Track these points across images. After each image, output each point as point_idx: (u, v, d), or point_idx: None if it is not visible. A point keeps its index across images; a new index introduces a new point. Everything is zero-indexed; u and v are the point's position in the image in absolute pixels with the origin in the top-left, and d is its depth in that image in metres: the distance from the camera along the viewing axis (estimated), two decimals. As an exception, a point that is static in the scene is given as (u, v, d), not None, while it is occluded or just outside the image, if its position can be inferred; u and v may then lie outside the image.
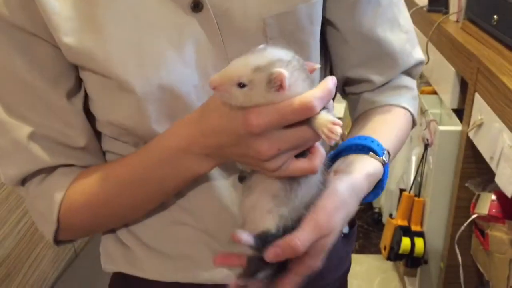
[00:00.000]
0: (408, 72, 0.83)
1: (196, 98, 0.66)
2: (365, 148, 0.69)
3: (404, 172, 2.10)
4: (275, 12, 0.66)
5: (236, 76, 0.53)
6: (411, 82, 0.84)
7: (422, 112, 1.91)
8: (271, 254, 0.56)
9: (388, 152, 0.70)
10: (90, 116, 0.71)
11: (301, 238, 0.56)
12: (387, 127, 0.77)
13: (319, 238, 0.58)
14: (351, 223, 0.92)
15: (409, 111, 0.81)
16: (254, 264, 0.60)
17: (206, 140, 0.60)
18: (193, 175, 0.64)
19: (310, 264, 0.60)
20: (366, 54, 0.78)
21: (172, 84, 0.64)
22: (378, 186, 0.69)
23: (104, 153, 0.75)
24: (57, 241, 0.72)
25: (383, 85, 0.82)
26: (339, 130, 0.53)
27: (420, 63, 0.84)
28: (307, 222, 0.57)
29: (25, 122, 0.65)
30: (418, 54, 0.82)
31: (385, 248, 1.96)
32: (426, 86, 2.05)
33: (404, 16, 0.80)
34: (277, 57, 0.54)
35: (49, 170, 0.69)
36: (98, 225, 0.73)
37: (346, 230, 0.90)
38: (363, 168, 0.66)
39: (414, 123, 0.85)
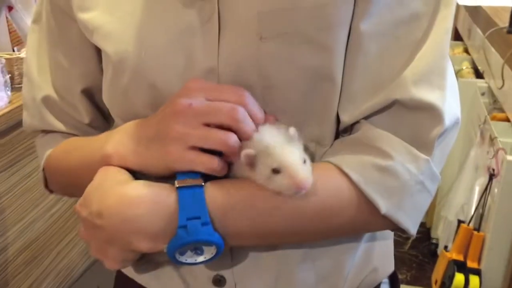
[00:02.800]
0: (414, 135, 0.57)
1: (178, 86, 0.60)
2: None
3: (465, 202, 1.97)
4: (270, 7, 0.56)
5: None
6: (399, 151, 0.56)
7: (491, 139, 1.78)
8: None
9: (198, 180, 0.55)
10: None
11: None
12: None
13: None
14: (391, 279, 0.77)
15: (351, 179, 0.56)
16: None
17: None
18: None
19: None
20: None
21: (153, 70, 0.61)
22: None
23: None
24: (50, 190, 0.77)
25: (351, 131, 0.61)
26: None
27: (430, 110, 0.56)
28: None
29: (46, 85, 0.72)
30: (428, 95, 0.56)
31: (436, 282, 1.86)
32: (498, 113, 1.91)
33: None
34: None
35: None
36: (64, 188, 0.75)
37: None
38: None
39: (375, 205, 0.57)
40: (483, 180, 1.81)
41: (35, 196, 1.43)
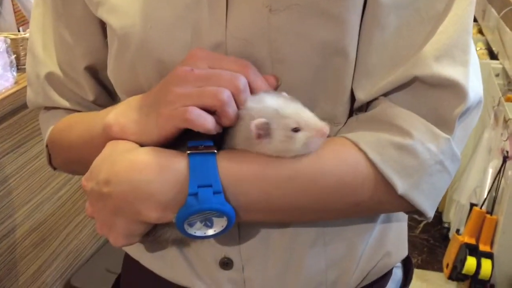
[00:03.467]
0: (435, 113, 0.55)
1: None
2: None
3: (478, 185, 1.95)
4: None
5: None
6: (418, 129, 0.54)
7: (505, 121, 1.75)
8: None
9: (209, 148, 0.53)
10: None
11: None
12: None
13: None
14: (404, 263, 0.75)
15: (368, 157, 0.54)
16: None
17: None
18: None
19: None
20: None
21: (159, 44, 0.58)
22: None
23: None
24: (54, 167, 0.76)
25: (366, 109, 0.59)
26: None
27: (453, 87, 0.53)
28: None
29: (51, 61, 0.70)
30: (450, 71, 0.53)
31: (447, 266, 1.85)
32: None
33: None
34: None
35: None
36: (67, 164, 0.73)
37: (399, 274, 0.74)
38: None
39: (395, 187, 0.54)
40: (496, 162, 1.80)
41: (43, 177, 1.42)
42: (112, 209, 0.54)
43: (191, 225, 0.53)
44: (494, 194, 1.75)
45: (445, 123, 0.54)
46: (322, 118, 0.59)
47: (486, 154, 1.96)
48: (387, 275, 0.70)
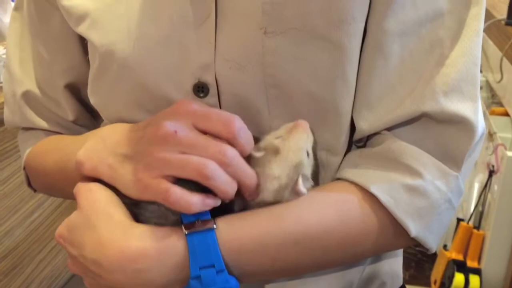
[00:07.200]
0: (442, 149, 0.53)
1: (169, 85, 0.55)
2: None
3: (464, 200, 1.93)
4: None
5: None
6: (428, 168, 0.52)
7: (490, 135, 1.74)
8: None
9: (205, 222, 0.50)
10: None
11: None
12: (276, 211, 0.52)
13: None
14: None
15: (379, 201, 0.51)
16: None
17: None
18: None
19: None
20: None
21: (142, 65, 0.55)
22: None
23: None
24: (34, 189, 0.73)
25: (366, 141, 0.57)
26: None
27: (462, 123, 0.52)
28: None
29: (28, 79, 0.67)
30: (459, 107, 0.51)
31: (435, 282, 1.84)
32: (497, 107, 1.89)
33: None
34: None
35: None
36: (45, 189, 0.71)
37: None
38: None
39: (411, 236, 0.52)
40: (482, 176, 1.79)
41: (14, 202, 1.36)
42: (104, 285, 0.51)
43: None
44: (480, 208, 1.74)
45: (453, 160, 0.53)
46: (321, 147, 0.56)
47: (472, 169, 1.96)
48: None
